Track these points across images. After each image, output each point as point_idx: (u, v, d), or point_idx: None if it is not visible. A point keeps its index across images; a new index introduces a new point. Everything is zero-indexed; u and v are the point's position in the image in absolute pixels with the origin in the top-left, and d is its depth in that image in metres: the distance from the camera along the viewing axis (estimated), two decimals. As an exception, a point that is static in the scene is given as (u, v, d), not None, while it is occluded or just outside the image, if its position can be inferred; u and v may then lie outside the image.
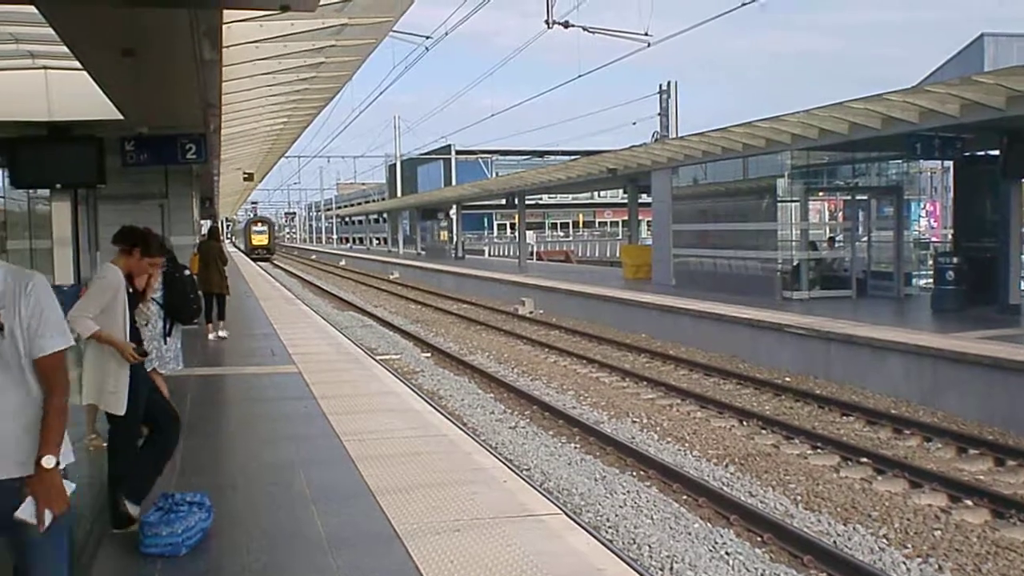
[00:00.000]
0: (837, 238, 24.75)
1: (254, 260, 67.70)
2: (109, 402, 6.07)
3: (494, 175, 71.29)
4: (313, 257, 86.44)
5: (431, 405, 10.88)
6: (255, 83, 12.86)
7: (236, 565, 5.51)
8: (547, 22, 25.17)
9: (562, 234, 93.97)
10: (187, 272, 8.83)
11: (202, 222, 31.87)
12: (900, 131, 17.92)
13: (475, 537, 5.78)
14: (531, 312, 28.20)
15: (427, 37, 27.65)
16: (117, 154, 14.69)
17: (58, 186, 14.20)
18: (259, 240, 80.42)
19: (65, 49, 10.13)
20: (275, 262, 75.54)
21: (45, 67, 13.22)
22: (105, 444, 7.71)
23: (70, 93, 13.23)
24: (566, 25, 25.49)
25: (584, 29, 25.96)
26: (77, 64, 10.60)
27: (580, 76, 55.97)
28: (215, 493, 6.32)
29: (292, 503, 6.70)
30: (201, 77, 10.13)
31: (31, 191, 16.69)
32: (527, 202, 48.82)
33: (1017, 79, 14.39)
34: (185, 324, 8.81)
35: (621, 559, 5.71)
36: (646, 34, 26.30)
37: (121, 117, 12.85)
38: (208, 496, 6.04)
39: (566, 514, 6.52)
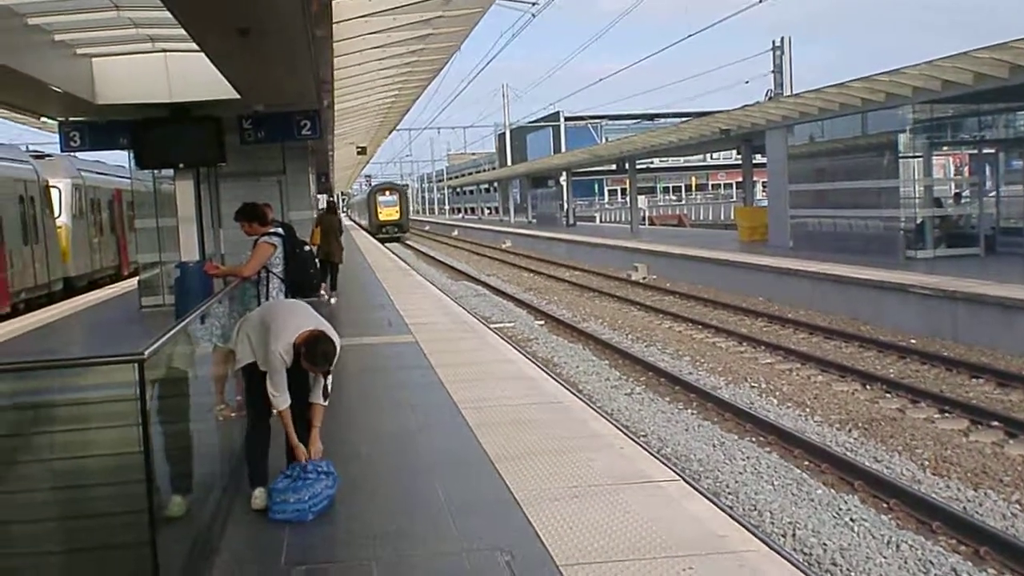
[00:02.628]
0: (963, 194, 23.78)
1: (382, 241, 50.99)
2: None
3: (603, 140, 70.36)
4: (427, 228, 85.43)
5: (546, 372, 10.92)
6: (365, 57, 13.01)
7: (361, 530, 5.65)
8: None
9: (674, 198, 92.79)
10: (307, 247, 9.03)
11: (318, 196, 32.57)
12: (1030, 80, 17.07)
13: (594, 503, 5.79)
14: (644, 278, 27.98)
15: (533, 3, 27.39)
16: (235, 133, 15.10)
17: (181, 165, 14.67)
18: (388, 214, 62.40)
19: (182, 32, 10.42)
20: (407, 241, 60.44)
21: (164, 50, 13.61)
22: (233, 414, 8.03)
23: (189, 74, 13.60)
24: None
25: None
26: (194, 46, 10.88)
27: (689, 36, 54.92)
28: (339, 461, 6.47)
29: (413, 470, 6.83)
30: (313, 54, 10.29)
31: (156, 171, 17.26)
32: (638, 166, 48.33)
33: None
34: (306, 297, 9.01)
35: (742, 525, 5.66)
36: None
37: (238, 96, 13.16)
38: (333, 464, 6.20)
39: (685, 480, 6.48)
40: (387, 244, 49.06)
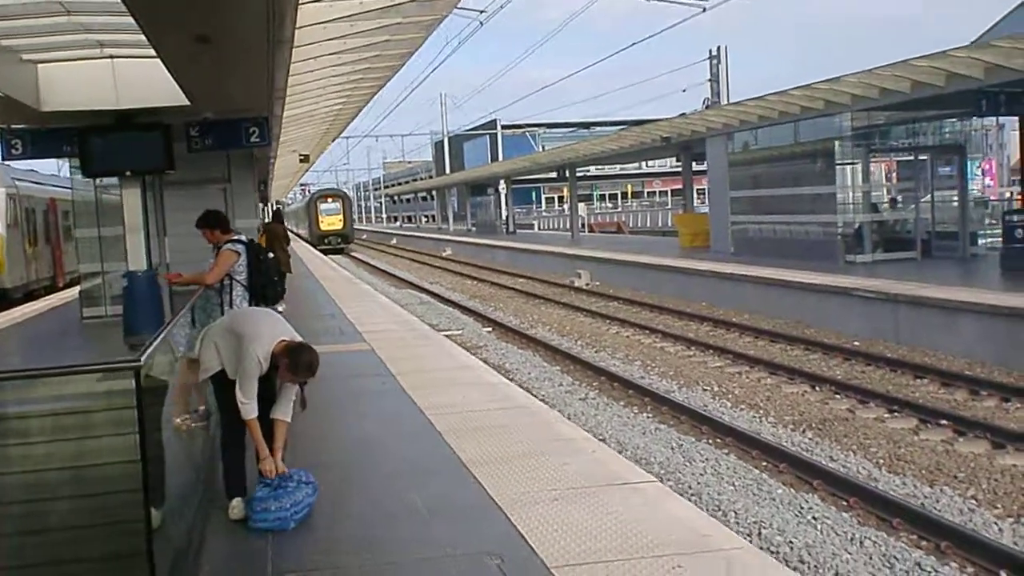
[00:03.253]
0: (898, 199, 24.40)
1: (325, 252, 47.91)
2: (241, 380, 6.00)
3: (541, 148, 70.51)
4: (364, 237, 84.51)
5: (507, 378, 10.96)
6: (320, 64, 12.91)
7: (345, 537, 5.63)
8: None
9: (611, 205, 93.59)
10: (271, 255, 8.96)
11: (259, 205, 32.20)
12: (965, 88, 17.60)
13: (575, 505, 5.84)
14: (588, 284, 28.18)
15: (481, 12, 27.41)
16: (182, 140, 14.84)
17: (128, 173, 14.40)
18: (331, 223, 57.92)
19: (132, 37, 10.22)
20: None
21: (112, 56, 13.35)
22: (195, 425, 7.92)
23: (136, 81, 13.35)
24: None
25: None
26: (143, 52, 10.71)
27: (633, 44, 55.45)
28: (310, 470, 6.42)
29: (388, 477, 6.81)
30: (271, 61, 10.20)
31: (98, 180, 16.91)
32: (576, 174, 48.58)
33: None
34: (269, 305, 8.94)
35: (725, 524, 5.75)
36: (703, -2, 26.00)
37: (187, 103, 12.98)
38: (311, 473, 6.15)
39: (661, 482, 6.56)
40: (333, 255, 47.39)
